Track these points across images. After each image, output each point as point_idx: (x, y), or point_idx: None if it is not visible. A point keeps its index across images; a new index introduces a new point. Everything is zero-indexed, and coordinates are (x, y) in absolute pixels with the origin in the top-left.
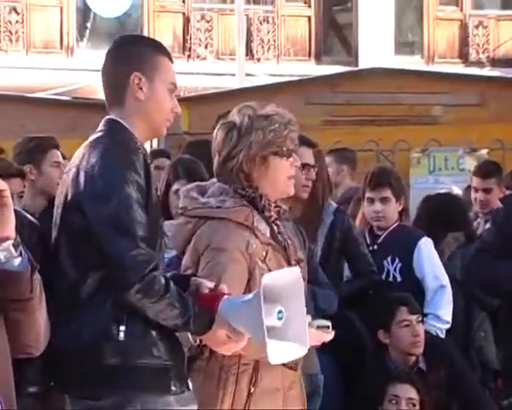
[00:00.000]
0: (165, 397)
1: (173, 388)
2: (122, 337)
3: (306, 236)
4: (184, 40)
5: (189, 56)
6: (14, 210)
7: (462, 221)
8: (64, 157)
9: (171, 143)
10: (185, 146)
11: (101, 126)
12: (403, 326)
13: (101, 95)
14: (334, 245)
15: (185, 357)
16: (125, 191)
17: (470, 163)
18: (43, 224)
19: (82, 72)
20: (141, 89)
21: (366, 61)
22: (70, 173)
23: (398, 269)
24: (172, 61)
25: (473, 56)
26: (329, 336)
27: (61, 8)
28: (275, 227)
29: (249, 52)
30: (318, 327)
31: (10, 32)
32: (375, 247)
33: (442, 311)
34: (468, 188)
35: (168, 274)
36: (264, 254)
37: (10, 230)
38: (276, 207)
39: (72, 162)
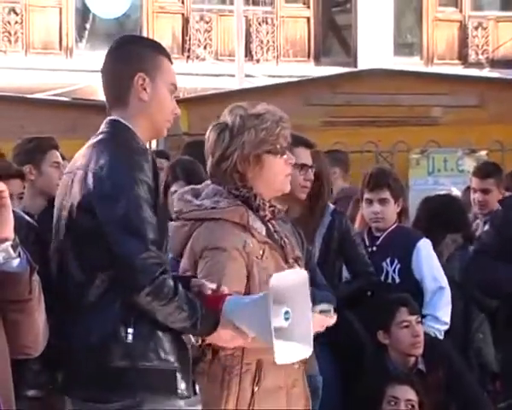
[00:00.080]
0: (172, 399)
1: (180, 390)
2: (130, 340)
3: (304, 237)
4: (183, 41)
5: (188, 57)
6: (13, 211)
7: (461, 222)
8: (63, 158)
9: (170, 144)
10: (183, 147)
11: (104, 127)
12: (403, 327)
13: (100, 96)
14: (331, 246)
15: (191, 359)
16: (135, 192)
17: (469, 164)
18: (42, 224)
19: (81, 72)
20: (144, 89)
21: (365, 62)
22: (77, 175)
23: (396, 270)
24: (172, 62)
25: (472, 57)
26: (332, 320)
27: (60, 9)
28: (270, 226)
29: (248, 53)
30: (321, 312)
31: (9, 33)
32: (374, 248)
33: (441, 312)
34: (468, 189)
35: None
36: (261, 252)
37: (9, 231)
38: (270, 206)
39: (76, 163)
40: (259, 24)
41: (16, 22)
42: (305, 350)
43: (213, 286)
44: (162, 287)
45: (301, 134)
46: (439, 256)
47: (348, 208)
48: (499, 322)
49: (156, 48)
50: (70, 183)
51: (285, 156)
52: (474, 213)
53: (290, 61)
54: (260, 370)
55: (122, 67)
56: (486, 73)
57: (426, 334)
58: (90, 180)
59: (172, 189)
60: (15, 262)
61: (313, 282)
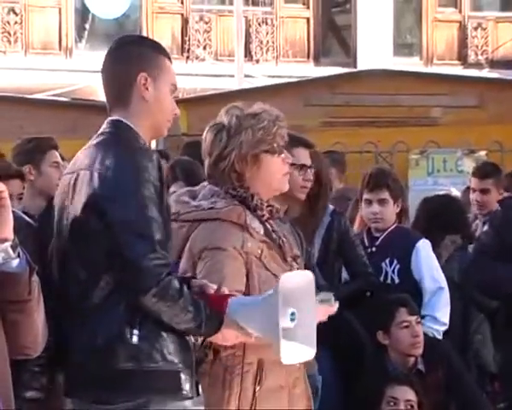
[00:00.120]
0: (177, 400)
1: (185, 391)
2: (136, 341)
3: (304, 237)
4: (183, 41)
5: (187, 58)
6: (12, 211)
7: (460, 223)
8: (63, 158)
9: (169, 144)
10: (183, 147)
11: (106, 127)
12: (402, 327)
13: (100, 96)
14: (330, 247)
15: (194, 360)
16: (141, 192)
17: (469, 165)
18: (42, 224)
19: (81, 73)
20: (147, 89)
21: (365, 62)
22: (80, 175)
23: (396, 271)
24: (171, 62)
25: (472, 58)
26: (334, 309)
27: (60, 10)
28: (268, 226)
29: (248, 53)
30: (322, 301)
31: (9, 33)
32: (374, 249)
33: (439, 313)
34: (467, 190)
35: None
36: (259, 251)
37: (8, 231)
38: (268, 206)
39: (78, 163)
40: (259, 24)
41: (16, 22)
42: (309, 351)
43: (214, 286)
44: (168, 288)
45: (301, 134)
46: (438, 257)
47: (344, 209)
48: (498, 323)
49: (157, 48)
50: (73, 183)
51: (282, 155)
52: (474, 213)
53: (290, 62)
54: (262, 369)
55: (123, 67)
56: (486, 73)
57: (425, 334)
58: (96, 181)
59: (171, 189)
60: (15, 263)
61: None
